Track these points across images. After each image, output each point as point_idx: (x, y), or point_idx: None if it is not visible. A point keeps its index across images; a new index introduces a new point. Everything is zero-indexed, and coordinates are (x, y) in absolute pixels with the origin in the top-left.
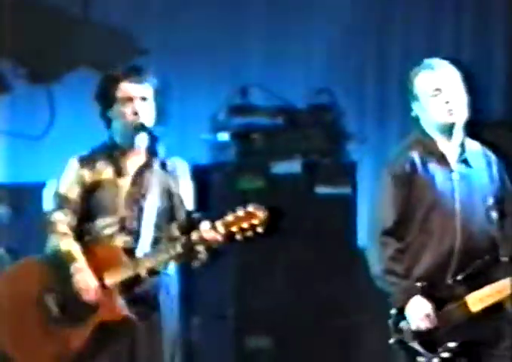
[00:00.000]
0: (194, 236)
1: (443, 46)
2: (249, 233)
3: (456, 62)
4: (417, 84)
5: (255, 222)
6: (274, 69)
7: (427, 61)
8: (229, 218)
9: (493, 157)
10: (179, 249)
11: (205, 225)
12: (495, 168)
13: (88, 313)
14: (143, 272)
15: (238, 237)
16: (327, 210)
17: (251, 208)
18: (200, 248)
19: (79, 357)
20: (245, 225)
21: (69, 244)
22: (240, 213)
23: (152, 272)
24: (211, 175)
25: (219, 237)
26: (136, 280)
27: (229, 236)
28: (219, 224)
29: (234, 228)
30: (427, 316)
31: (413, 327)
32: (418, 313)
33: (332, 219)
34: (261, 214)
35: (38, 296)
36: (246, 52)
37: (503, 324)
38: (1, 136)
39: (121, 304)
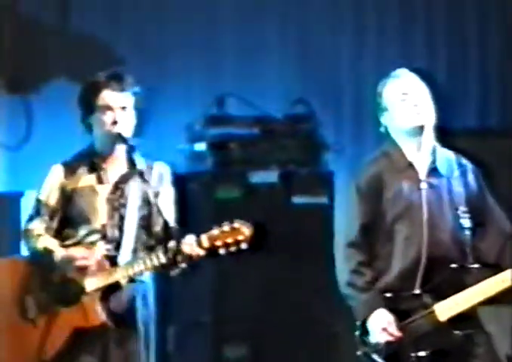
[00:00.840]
0: (179, 250)
1: (417, 57)
2: (233, 248)
3: (422, 72)
4: (385, 94)
5: (240, 237)
6: (251, 79)
7: (393, 72)
8: (215, 232)
9: (469, 166)
10: (163, 260)
11: (190, 239)
12: (470, 176)
13: (66, 317)
14: (123, 280)
15: (221, 251)
16: (303, 220)
17: (237, 224)
18: (181, 259)
19: (52, 360)
20: (229, 240)
21: (45, 242)
22: (226, 228)
23: (131, 280)
24: (187, 185)
25: (202, 253)
26: (115, 287)
27: (213, 250)
28: (204, 238)
29: (219, 243)
30: (386, 329)
31: (373, 341)
32: (378, 327)
33: (309, 229)
34: (246, 230)
35: (18, 297)
36: (222, 62)
37: (474, 333)
38: None
39: (99, 310)
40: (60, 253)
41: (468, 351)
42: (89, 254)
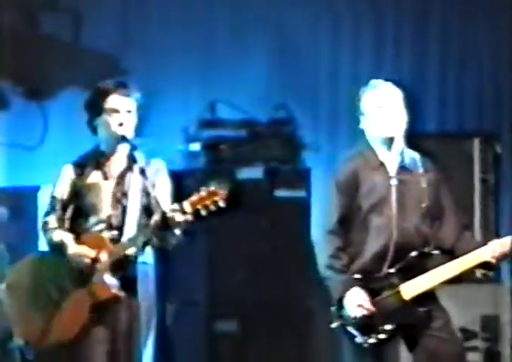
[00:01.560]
0: (168, 217)
1: (386, 67)
2: (213, 208)
3: (397, 82)
4: (363, 101)
5: (217, 198)
6: (239, 87)
7: (372, 82)
8: (195, 197)
9: (430, 166)
10: (152, 226)
11: (174, 207)
12: (432, 174)
13: (83, 296)
14: (129, 253)
15: (203, 212)
16: (284, 211)
17: (212, 187)
18: (174, 230)
19: (77, 334)
20: (208, 202)
21: (60, 235)
22: (203, 192)
23: (135, 256)
24: (183, 180)
25: (189, 218)
26: (121, 263)
27: (196, 213)
28: (186, 204)
29: (199, 206)
30: (362, 305)
31: (351, 315)
32: (354, 303)
33: (289, 218)
34: (222, 192)
35: (42, 285)
36: (215, 72)
37: (434, 309)
38: (0, 147)
39: (111, 284)
40: (72, 249)
41: (428, 325)
42: (95, 255)
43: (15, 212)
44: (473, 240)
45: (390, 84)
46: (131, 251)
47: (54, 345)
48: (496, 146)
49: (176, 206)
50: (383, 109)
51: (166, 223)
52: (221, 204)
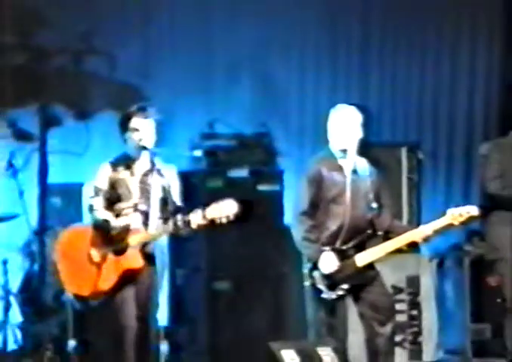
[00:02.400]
0: (193, 222)
1: (340, 94)
2: (224, 221)
3: (359, 106)
4: (329, 120)
5: (230, 214)
6: (231, 109)
7: (338, 105)
8: (213, 209)
9: (373, 169)
10: (172, 228)
11: (198, 214)
12: (374, 176)
13: (118, 262)
14: (155, 237)
15: (217, 222)
16: (264, 200)
17: (229, 203)
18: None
19: (111, 290)
20: (223, 215)
21: (103, 214)
22: (220, 205)
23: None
24: (189, 178)
25: (204, 223)
26: (147, 243)
27: (213, 222)
28: (208, 213)
29: (215, 217)
30: (333, 263)
31: (325, 272)
32: (328, 262)
33: (268, 205)
34: (234, 208)
35: (87, 249)
36: (213, 98)
37: (376, 274)
38: (56, 153)
39: (139, 257)
40: (114, 222)
41: (371, 284)
42: (130, 223)
43: (66, 201)
44: (402, 225)
45: (352, 107)
46: (156, 238)
47: (95, 298)
48: (418, 153)
49: (198, 212)
50: (341, 127)
51: (186, 223)
52: (232, 218)
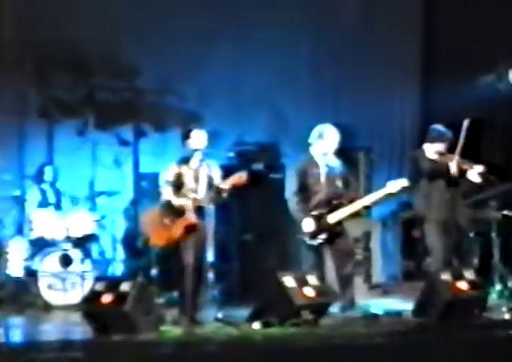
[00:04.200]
0: (222, 187)
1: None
2: (241, 183)
3: (336, 124)
4: (316, 134)
5: (242, 180)
6: (256, 129)
7: (321, 124)
8: (232, 179)
9: (343, 166)
10: (216, 193)
11: (224, 182)
12: (342, 169)
13: (181, 221)
14: (204, 204)
15: (236, 185)
16: (274, 184)
17: (240, 174)
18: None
19: (178, 240)
20: (240, 181)
21: (169, 197)
22: (236, 176)
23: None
24: (226, 170)
25: (230, 187)
26: (201, 208)
27: (233, 185)
28: (229, 180)
29: (234, 182)
30: (310, 225)
31: (305, 231)
32: (307, 224)
33: (275, 187)
34: (244, 177)
35: (162, 216)
36: (242, 123)
37: (343, 229)
38: (144, 154)
39: (194, 217)
40: (175, 201)
41: (340, 235)
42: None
43: (150, 183)
44: (361, 196)
45: (331, 126)
46: (205, 204)
47: (168, 246)
48: (371, 155)
49: (224, 181)
50: (325, 139)
51: (219, 189)
52: (244, 181)
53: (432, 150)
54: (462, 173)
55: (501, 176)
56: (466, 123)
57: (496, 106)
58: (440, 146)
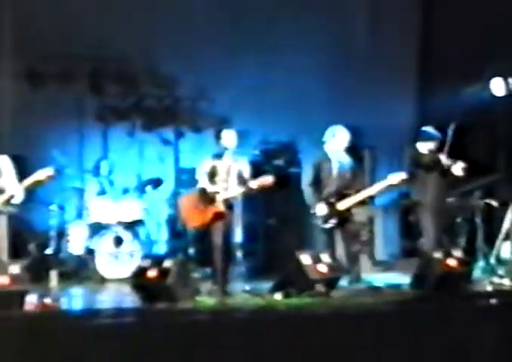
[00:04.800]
0: (251, 185)
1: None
2: (267, 185)
3: (347, 126)
4: (329, 133)
5: (268, 183)
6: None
7: (334, 126)
8: (260, 180)
9: (352, 162)
10: (244, 188)
11: (254, 182)
12: (353, 165)
13: (212, 209)
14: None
15: (264, 186)
16: (295, 178)
17: (268, 176)
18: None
19: (209, 222)
20: (266, 184)
21: (204, 185)
22: (264, 177)
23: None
24: (254, 166)
25: (258, 188)
26: (228, 199)
27: (262, 186)
28: (259, 181)
29: (262, 183)
30: (323, 210)
31: (318, 214)
32: (320, 209)
33: (294, 180)
34: (271, 179)
35: (197, 201)
36: (265, 119)
37: (351, 214)
38: (184, 152)
39: (222, 206)
40: (209, 188)
41: (347, 221)
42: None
43: (188, 175)
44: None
45: (342, 127)
46: (234, 195)
47: (199, 227)
48: (375, 152)
49: (253, 181)
50: (334, 139)
51: (248, 188)
52: (270, 184)
53: (424, 148)
54: (448, 167)
55: (481, 170)
56: (452, 126)
57: (481, 112)
58: (430, 145)
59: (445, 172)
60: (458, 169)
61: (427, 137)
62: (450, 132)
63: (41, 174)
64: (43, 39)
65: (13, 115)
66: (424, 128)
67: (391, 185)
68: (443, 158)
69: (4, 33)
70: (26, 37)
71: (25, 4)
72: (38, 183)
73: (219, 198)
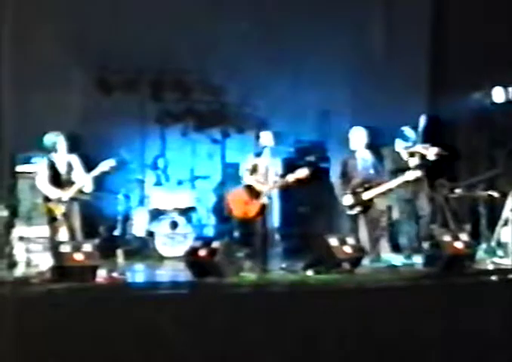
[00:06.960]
0: (288, 179)
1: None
2: (303, 177)
3: (366, 126)
4: (351, 134)
5: (304, 176)
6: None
7: (355, 127)
8: (297, 173)
9: (374, 157)
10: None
11: (290, 175)
12: (374, 161)
13: (256, 203)
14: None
15: (300, 178)
16: (323, 172)
17: (305, 169)
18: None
19: (253, 215)
20: (303, 177)
21: (248, 180)
22: (300, 170)
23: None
24: (289, 162)
25: (295, 180)
26: (258, 194)
27: (298, 179)
28: (295, 174)
29: (299, 176)
30: (349, 200)
31: (344, 204)
32: (346, 199)
33: (324, 174)
34: (307, 171)
35: (243, 195)
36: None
37: (373, 203)
38: (229, 149)
39: (265, 198)
40: (254, 184)
41: (370, 208)
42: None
43: (233, 170)
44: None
45: (361, 127)
46: (273, 188)
47: (245, 218)
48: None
49: (291, 174)
50: (354, 135)
51: (286, 181)
52: (307, 176)
53: (400, 146)
54: (424, 155)
55: (453, 152)
56: (424, 117)
57: (484, 116)
58: (408, 143)
59: (423, 157)
60: (431, 154)
61: (405, 137)
62: (422, 123)
63: (105, 165)
64: (112, 53)
65: (85, 120)
66: (404, 128)
67: (407, 181)
68: (419, 148)
69: (73, 47)
70: (98, 51)
71: (91, 20)
72: (103, 173)
73: (261, 192)
